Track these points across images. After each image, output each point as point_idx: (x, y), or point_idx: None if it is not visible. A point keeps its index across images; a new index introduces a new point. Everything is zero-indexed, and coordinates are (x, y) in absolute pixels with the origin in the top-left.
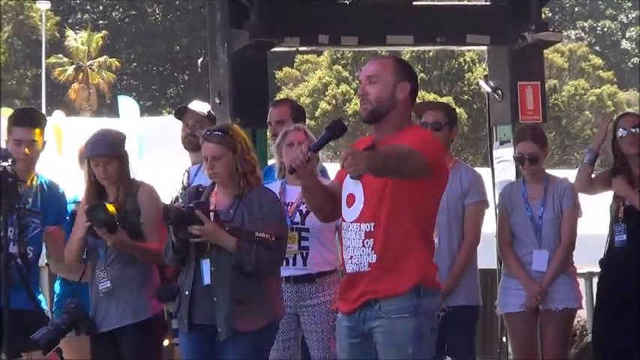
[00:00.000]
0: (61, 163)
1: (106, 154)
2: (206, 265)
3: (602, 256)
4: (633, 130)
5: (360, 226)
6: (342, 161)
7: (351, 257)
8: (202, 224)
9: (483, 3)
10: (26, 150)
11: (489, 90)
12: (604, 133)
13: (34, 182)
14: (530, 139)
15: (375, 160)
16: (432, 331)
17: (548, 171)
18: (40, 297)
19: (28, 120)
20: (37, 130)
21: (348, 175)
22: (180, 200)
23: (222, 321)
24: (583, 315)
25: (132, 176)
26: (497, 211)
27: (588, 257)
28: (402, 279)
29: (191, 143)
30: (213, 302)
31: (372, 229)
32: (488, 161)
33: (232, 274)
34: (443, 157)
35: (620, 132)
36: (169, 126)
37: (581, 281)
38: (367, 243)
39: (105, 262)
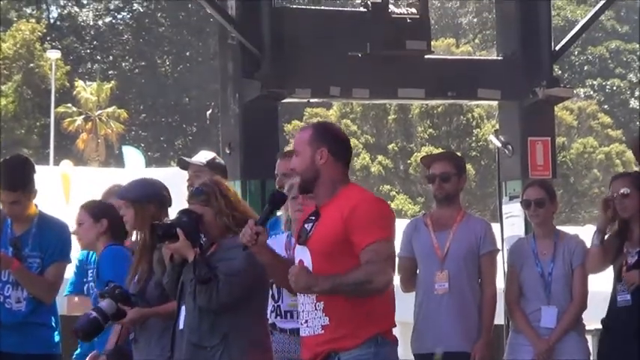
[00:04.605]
0: (68, 211)
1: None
2: (182, 309)
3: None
4: (622, 191)
5: None
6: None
7: (306, 321)
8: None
9: (495, 58)
10: (9, 209)
11: (499, 145)
12: (606, 217)
13: (31, 226)
14: (538, 185)
15: (325, 286)
16: None
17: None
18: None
19: (8, 184)
20: (18, 192)
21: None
22: None
23: None
24: None
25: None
26: (506, 267)
27: (596, 314)
28: (358, 334)
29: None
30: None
31: None
32: (495, 217)
33: (193, 318)
34: (391, 219)
35: (613, 195)
36: (176, 177)
37: (589, 337)
38: (318, 306)
39: None
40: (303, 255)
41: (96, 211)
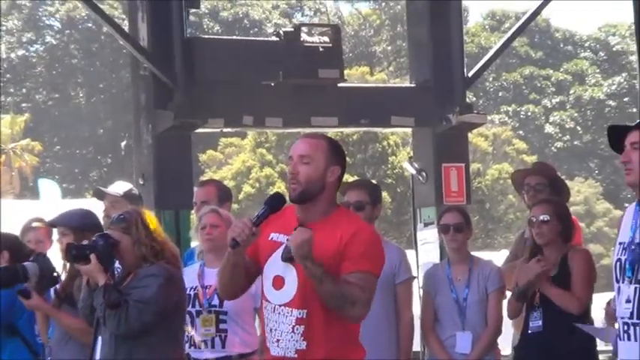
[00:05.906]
0: None
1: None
2: (99, 340)
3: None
4: (541, 218)
5: (291, 311)
6: (295, 237)
7: (278, 341)
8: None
9: (408, 85)
10: None
11: (414, 172)
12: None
13: None
14: (456, 210)
15: (318, 271)
16: None
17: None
18: None
19: None
20: None
21: (279, 257)
22: None
23: None
24: None
25: None
26: (422, 293)
27: (511, 339)
28: None
29: (106, 224)
30: None
31: (305, 317)
32: (411, 244)
33: (110, 348)
34: (384, 259)
35: (532, 220)
36: (92, 208)
37: None
38: (297, 329)
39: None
40: (284, 271)
41: None
